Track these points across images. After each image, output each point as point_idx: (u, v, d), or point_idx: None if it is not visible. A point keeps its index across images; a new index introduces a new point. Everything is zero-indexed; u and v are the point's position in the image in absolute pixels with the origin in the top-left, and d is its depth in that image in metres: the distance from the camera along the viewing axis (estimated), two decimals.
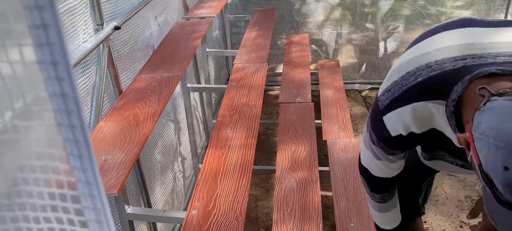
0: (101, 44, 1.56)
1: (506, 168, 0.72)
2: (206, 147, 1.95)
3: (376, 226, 1.50)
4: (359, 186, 2.05)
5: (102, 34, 1.54)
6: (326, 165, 2.27)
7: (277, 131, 2.38)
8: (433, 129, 1.01)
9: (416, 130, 1.01)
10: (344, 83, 3.15)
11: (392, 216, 1.41)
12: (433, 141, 1.05)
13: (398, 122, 1.01)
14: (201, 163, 1.73)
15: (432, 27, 1.09)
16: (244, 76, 2.42)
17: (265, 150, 3.09)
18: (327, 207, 2.45)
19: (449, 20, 1.08)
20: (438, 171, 1.47)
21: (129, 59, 1.87)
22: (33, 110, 0.41)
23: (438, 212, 2.53)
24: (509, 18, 3.63)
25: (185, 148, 2.49)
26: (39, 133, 0.41)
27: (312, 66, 3.68)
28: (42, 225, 0.42)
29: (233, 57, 2.69)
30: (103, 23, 1.60)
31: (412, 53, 1.03)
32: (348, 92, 3.70)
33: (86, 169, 0.38)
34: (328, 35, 3.90)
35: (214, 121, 2.69)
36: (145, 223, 1.90)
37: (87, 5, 1.51)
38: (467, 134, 0.81)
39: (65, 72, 0.35)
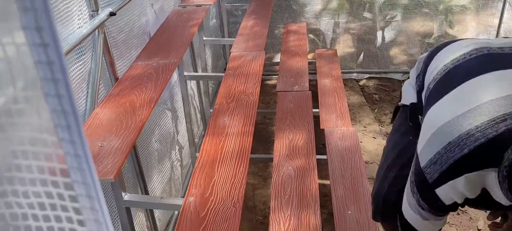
0: (96, 30, 1.54)
1: None
2: (204, 136, 1.94)
3: None
4: (356, 174, 2.06)
5: (97, 20, 1.52)
6: (324, 153, 2.27)
7: (275, 120, 2.37)
8: (484, 189, 1.00)
9: (471, 195, 1.01)
10: (342, 72, 3.14)
11: None
12: (482, 198, 1.04)
13: (452, 193, 1.00)
14: (199, 152, 1.73)
15: (461, 54, 1.07)
16: (241, 64, 2.40)
17: (262, 139, 3.09)
18: (325, 195, 2.45)
19: (475, 48, 1.06)
20: None
21: (125, 46, 1.85)
22: (25, 95, 0.39)
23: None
24: (507, 6, 3.62)
25: (183, 137, 2.48)
26: (31, 117, 0.40)
27: (310, 56, 3.67)
28: (36, 211, 0.41)
29: (230, 47, 2.67)
30: (98, 9, 1.58)
31: (449, 111, 0.99)
32: (345, 81, 3.69)
33: (79, 155, 0.36)
34: (325, 24, 3.88)
35: (211, 110, 2.67)
36: (143, 211, 1.90)
37: None
38: None
39: (55, 55, 0.34)
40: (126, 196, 1.46)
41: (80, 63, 1.45)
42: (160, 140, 2.10)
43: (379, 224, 1.79)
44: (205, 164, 1.65)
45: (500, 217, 1.41)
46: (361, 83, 3.91)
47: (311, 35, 3.88)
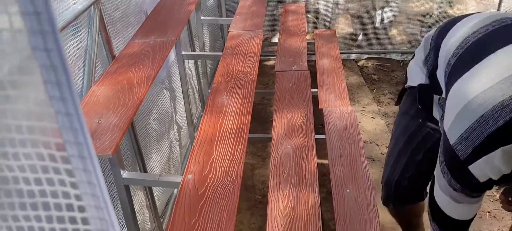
0: (92, 6, 1.52)
1: None
2: (202, 116, 1.93)
3: None
4: (355, 154, 2.06)
5: None
6: (322, 133, 2.26)
7: (273, 100, 2.36)
8: None
9: (507, 170, 0.95)
10: (341, 53, 3.12)
11: None
12: None
13: (487, 168, 0.95)
14: (197, 131, 1.72)
15: (482, 26, 1.02)
16: (239, 44, 2.38)
17: (261, 120, 3.08)
18: (323, 174, 2.46)
19: (497, 19, 1.01)
20: None
21: (121, 24, 1.83)
22: (21, 67, 0.38)
23: None
24: None
25: (181, 117, 2.47)
26: (27, 91, 0.39)
27: (309, 36, 3.64)
28: (32, 187, 0.40)
29: (228, 27, 2.65)
30: None
31: (478, 84, 0.94)
32: (344, 62, 3.68)
33: (75, 128, 0.35)
34: (324, 4, 3.84)
35: (209, 90, 2.66)
36: (142, 190, 1.90)
37: None
38: None
39: (48, 25, 0.33)
40: (125, 174, 1.46)
41: (76, 39, 1.43)
42: (158, 119, 2.10)
43: (377, 203, 1.80)
44: (203, 142, 1.65)
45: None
46: (360, 63, 3.89)
47: (309, 15, 3.85)
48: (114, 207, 1.70)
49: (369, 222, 1.67)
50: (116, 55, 1.75)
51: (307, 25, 3.69)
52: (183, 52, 2.32)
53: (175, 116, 2.38)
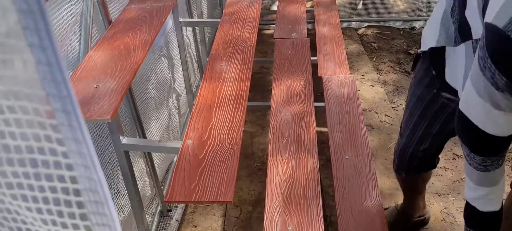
0: None
1: None
2: None
3: (469, 208, 1.17)
4: (354, 121, 2.06)
5: None
6: (321, 102, 2.26)
7: (272, 68, 2.34)
8: None
9: None
10: (340, 21, 3.08)
11: (492, 193, 1.09)
12: None
13: None
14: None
15: None
16: (238, 10, 2.34)
17: (260, 89, 3.07)
18: (322, 142, 2.47)
19: None
20: None
21: None
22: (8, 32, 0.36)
23: None
24: None
25: (180, 85, 2.45)
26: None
27: (308, 4, 3.58)
28: (23, 155, 0.39)
29: None
30: None
31: None
32: (344, 30, 3.63)
33: (57, 80, 0.34)
34: None
35: (208, 59, 2.63)
36: (142, 157, 1.91)
37: None
38: None
39: None
40: (124, 140, 1.46)
41: (71, 3, 1.40)
42: (156, 86, 2.08)
43: (375, 168, 1.81)
44: (202, 108, 1.64)
45: None
46: (359, 32, 3.85)
47: None
48: (115, 174, 1.71)
49: (368, 188, 1.69)
50: (113, 21, 1.72)
51: None
52: (180, 19, 2.28)
53: (174, 84, 2.37)
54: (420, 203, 1.98)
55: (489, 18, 0.92)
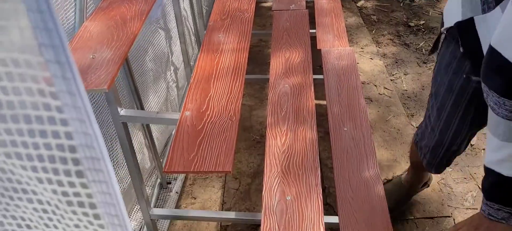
0: None
1: None
2: None
3: (490, 176, 1.01)
4: (353, 93, 2.05)
5: None
6: (320, 74, 2.25)
7: (271, 41, 2.32)
8: None
9: None
10: None
11: None
12: None
13: None
14: None
15: None
16: None
17: (258, 62, 3.05)
18: (321, 115, 2.47)
19: None
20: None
21: None
22: None
23: None
24: None
25: (177, 58, 2.43)
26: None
27: None
28: (16, 111, 0.38)
29: None
30: None
31: None
32: (343, 2, 3.58)
33: (55, 45, 0.32)
34: None
35: (205, 32, 2.60)
36: (141, 130, 1.91)
37: None
38: None
39: None
40: (122, 111, 1.45)
41: None
42: (154, 59, 2.06)
43: (373, 140, 1.81)
44: (200, 79, 1.63)
45: None
46: (359, 4, 3.80)
47: None
48: (113, 146, 1.71)
49: (366, 160, 1.69)
50: None
51: None
52: None
53: (172, 57, 2.35)
54: (426, 173, 1.97)
55: None
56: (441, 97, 1.40)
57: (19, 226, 0.46)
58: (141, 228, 1.92)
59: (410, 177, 1.97)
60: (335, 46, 2.40)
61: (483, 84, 0.94)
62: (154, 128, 2.08)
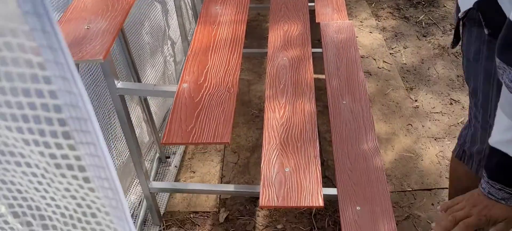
0: None
1: None
2: None
3: (495, 156, 0.94)
4: (351, 67, 2.03)
5: None
6: (319, 48, 2.22)
7: (269, 15, 2.28)
8: None
9: None
10: None
11: None
12: None
13: None
14: None
15: None
16: None
17: (256, 36, 3.02)
18: (320, 89, 2.45)
19: None
20: None
21: None
22: None
23: (429, 91, 2.54)
24: None
25: (174, 32, 2.40)
26: None
27: None
28: (2, 83, 0.36)
29: None
30: None
31: None
32: None
33: (39, 13, 0.30)
34: None
35: (202, 3, 2.56)
36: (139, 104, 1.89)
37: None
38: None
39: None
40: (119, 84, 1.44)
41: None
42: (151, 32, 2.04)
43: (372, 113, 1.80)
44: (198, 51, 1.61)
45: None
46: None
47: None
48: (111, 120, 1.70)
49: (365, 132, 1.69)
50: None
51: None
52: None
53: (168, 31, 2.32)
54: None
55: None
56: (482, 91, 1.23)
57: (10, 190, 0.45)
58: (140, 201, 1.93)
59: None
60: (334, 19, 2.36)
61: (498, 61, 0.87)
62: (152, 102, 2.07)
